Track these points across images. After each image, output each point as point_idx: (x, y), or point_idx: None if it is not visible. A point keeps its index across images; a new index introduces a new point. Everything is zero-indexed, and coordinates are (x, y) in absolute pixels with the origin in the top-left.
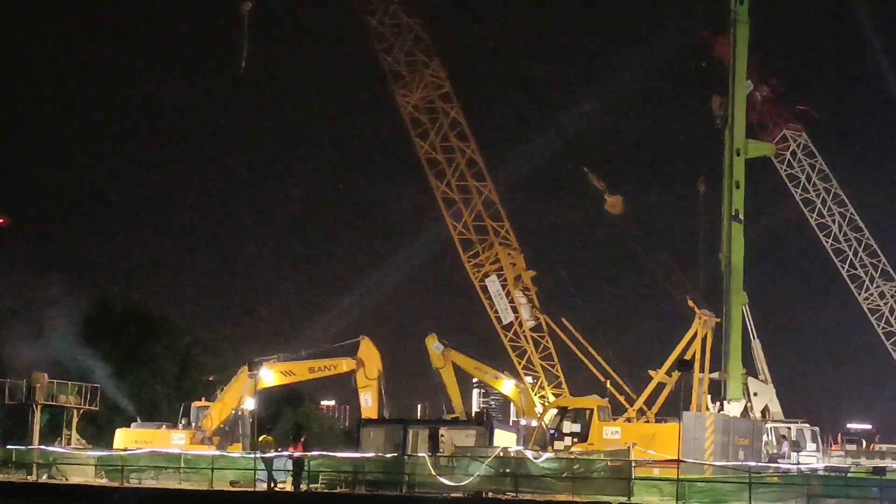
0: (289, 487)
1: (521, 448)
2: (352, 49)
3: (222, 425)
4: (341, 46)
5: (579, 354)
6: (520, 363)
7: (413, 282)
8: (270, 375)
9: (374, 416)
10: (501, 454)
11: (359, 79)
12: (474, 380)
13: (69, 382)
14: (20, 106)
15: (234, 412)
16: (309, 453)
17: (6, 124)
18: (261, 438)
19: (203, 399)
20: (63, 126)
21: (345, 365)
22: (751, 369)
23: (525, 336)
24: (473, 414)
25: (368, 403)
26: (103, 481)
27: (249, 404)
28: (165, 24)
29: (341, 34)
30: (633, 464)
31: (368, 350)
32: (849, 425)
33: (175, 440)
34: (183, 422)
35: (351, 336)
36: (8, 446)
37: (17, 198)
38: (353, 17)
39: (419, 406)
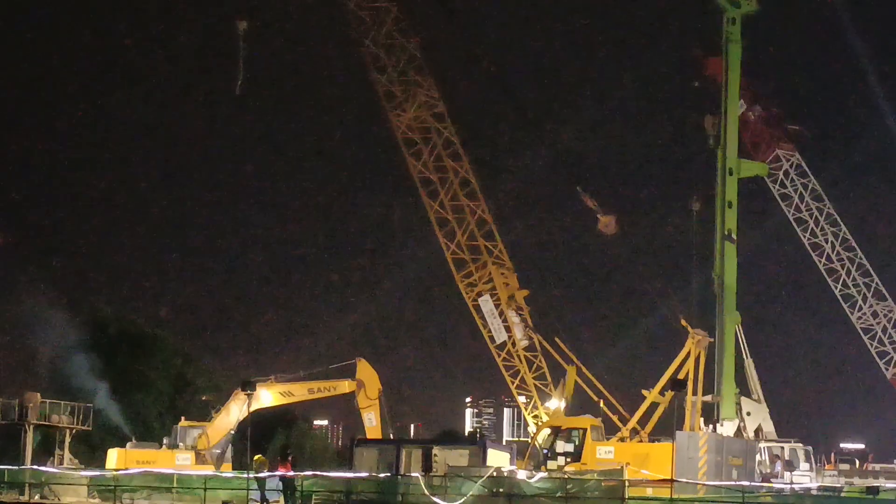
0: None
1: (513, 468)
2: (346, 69)
3: (215, 446)
4: (335, 66)
5: (575, 377)
6: (513, 383)
7: (405, 301)
8: (269, 396)
9: (380, 434)
10: (495, 474)
11: (353, 99)
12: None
13: (62, 402)
14: (15, 126)
15: (230, 433)
16: (300, 473)
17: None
18: (255, 458)
19: (183, 418)
20: (58, 146)
21: (345, 386)
22: (744, 389)
23: (518, 356)
24: (467, 433)
25: (373, 423)
26: (96, 501)
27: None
28: (163, 42)
29: (335, 54)
30: (627, 483)
31: (366, 371)
32: (842, 445)
33: (180, 461)
34: (166, 441)
35: (345, 356)
36: (0, 466)
37: (11, 217)
38: (348, 37)
39: (412, 426)
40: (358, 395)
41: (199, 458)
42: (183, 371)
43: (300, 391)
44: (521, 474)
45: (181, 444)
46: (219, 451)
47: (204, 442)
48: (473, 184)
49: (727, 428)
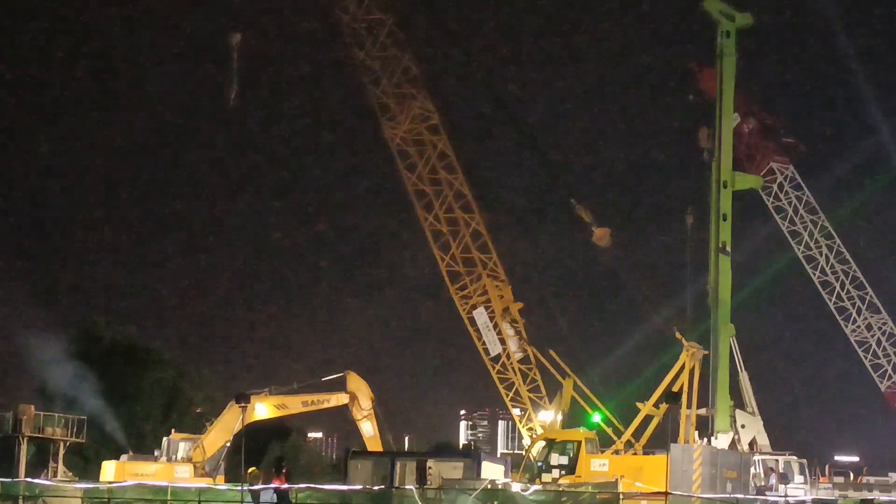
0: None
1: (508, 480)
2: (341, 81)
3: (210, 458)
4: (331, 78)
5: (573, 392)
6: (508, 395)
7: (399, 313)
8: (263, 408)
9: (379, 442)
10: (489, 486)
11: (348, 110)
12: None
13: (56, 414)
14: (8, 138)
15: (226, 445)
16: (295, 486)
17: None
18: (250, 470)
19: (173, 430)
20: (50, 158)
21: (338, 399)
22: (738, 401)
23: (513, 368)
24: (461, 446)
25: (371, 432)
26: None
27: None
28: (157, 56)
29: (331, 65)
30: (621, 496)
31: (356, 383)
32: (836, 457)
33: (178, 473)
34: (157, 453)
35: (339, 368)
36: None
37: (4, 228)
38: (342, 49)
39: (406, 438)
40: (352, 406)
41: (197, 471)
42: (177, 383)
43: (295, 404)
44: (516, 487)
45: (173, 456)
46: (213, 463)
47: (199, 454)
48: (468, 196)
49: (722, 441)
